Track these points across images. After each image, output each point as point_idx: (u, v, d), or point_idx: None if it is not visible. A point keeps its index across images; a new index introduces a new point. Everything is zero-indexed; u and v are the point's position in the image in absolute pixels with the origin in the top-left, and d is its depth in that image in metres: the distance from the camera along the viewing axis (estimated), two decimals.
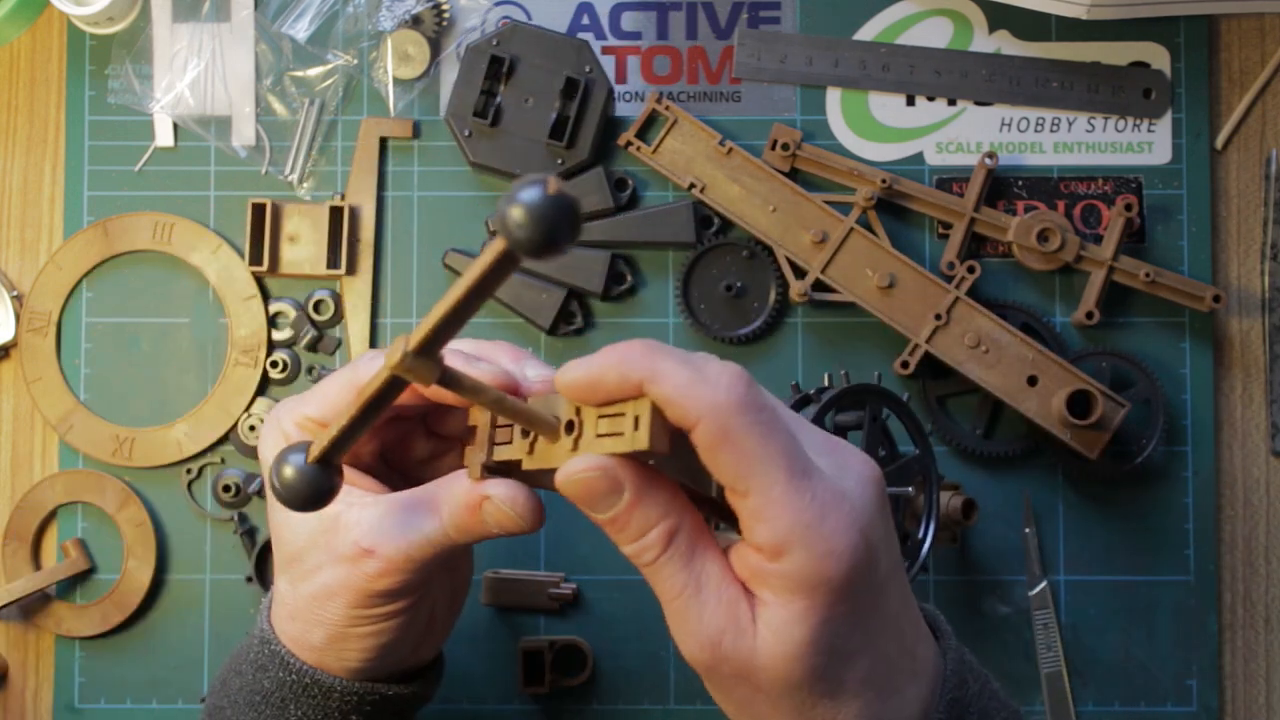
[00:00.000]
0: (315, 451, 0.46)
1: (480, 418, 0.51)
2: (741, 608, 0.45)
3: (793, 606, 0.44)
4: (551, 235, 0.36)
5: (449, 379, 0.43)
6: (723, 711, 0.49)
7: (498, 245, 0.38)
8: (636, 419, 0.44)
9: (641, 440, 0.43)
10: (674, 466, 0.47)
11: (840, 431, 0.68)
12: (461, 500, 0.50)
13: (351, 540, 0.51)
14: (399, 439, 0.57)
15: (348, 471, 0.54)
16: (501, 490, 0.49)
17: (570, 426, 0.46)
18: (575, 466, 0.45)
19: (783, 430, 0.44)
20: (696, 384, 0.43)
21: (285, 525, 0.54)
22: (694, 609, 0.45)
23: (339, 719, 0.55)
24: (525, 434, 0.48)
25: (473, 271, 0.39)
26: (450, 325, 0.41)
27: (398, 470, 0.57)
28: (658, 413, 0.43)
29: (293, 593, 0.54)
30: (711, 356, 0.45)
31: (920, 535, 0.67)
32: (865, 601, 0.45)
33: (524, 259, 0.37)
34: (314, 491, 0.46)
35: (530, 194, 0.36)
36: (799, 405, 0.68)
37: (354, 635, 0.53)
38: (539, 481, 0.50)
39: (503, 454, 0.49)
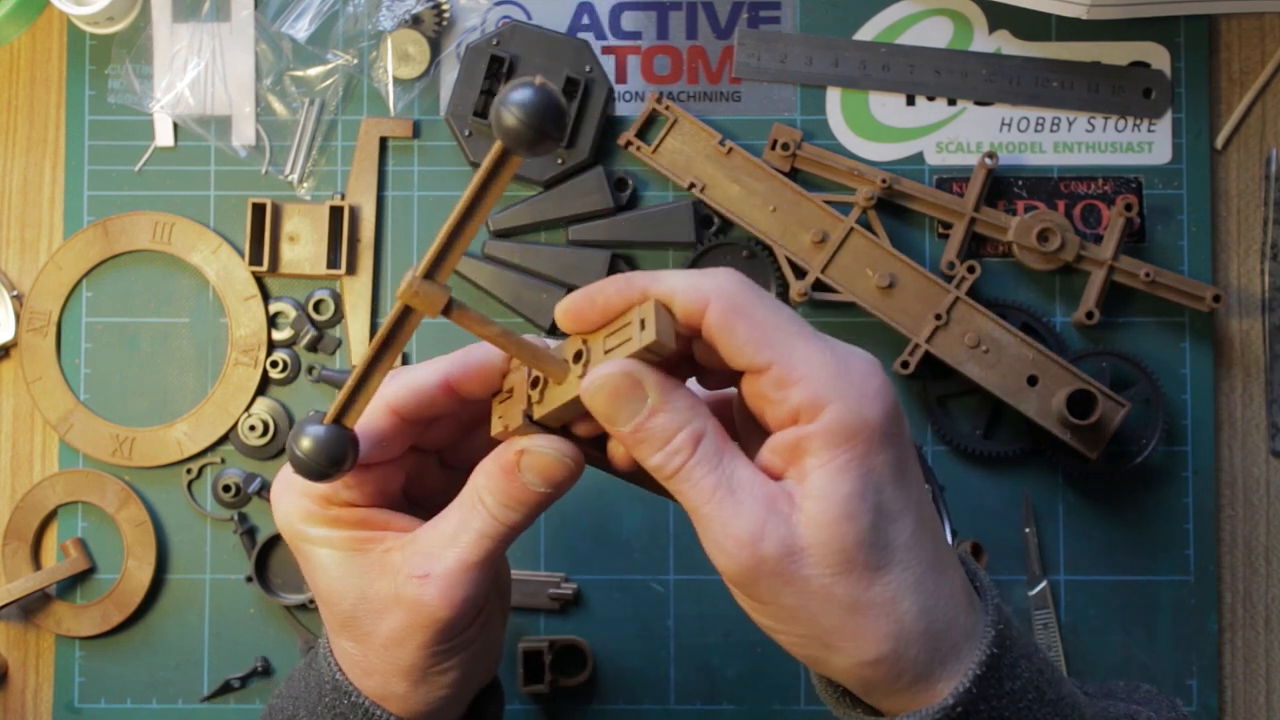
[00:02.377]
0: (331, 412, 0.46)
1: (514, 378, 0.50)
2: (779, 496, 0.45)
3: (837, 460, 0.44)
4: (542, 127, 0.39)
5: (455, 307, 0.44)
6: (772, 637, 0.47)
7: (495, 148, 0.41)
8: (642, 321, 0.44)
9: (649, 335, 0.43)
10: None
11: None
12: (498, 470, 0.49)
13: (404, 577, 0.49)
14: (419, 472, 0.55)
15: (381, 514, 0.52)
16: (533, 439, 0.48)
17: (578, 356, 0.46)
18: (598, 372, 0.45)
19: (785, 306, 0.46)
20: (699, 275, 0.45)
21: (331, 590, 0.51)
22: (729, 508, 0.44)
23: None
24: (534, 384, 0.48)
25: (473, 182, 0.42)
26: (454, 242, 0.42)
27: (421, 505, 0.55)
28: (661, 309, 0.44)
29: (361, 650, 0.51)
30: None
31: None
32: (900, 455, 0.45)
33: (521, 154, 0.40)
34: (333, 454, 0.46)
35: (520, 93, 0.39)
36: None
37: (436, 673, 0.51)
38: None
39: (517, 406, 0.48)
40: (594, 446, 0.49)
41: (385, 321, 0.45)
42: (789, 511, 0.44)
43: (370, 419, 0.50)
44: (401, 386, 0.50)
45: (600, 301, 0.46)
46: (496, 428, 0.49)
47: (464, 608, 0.49)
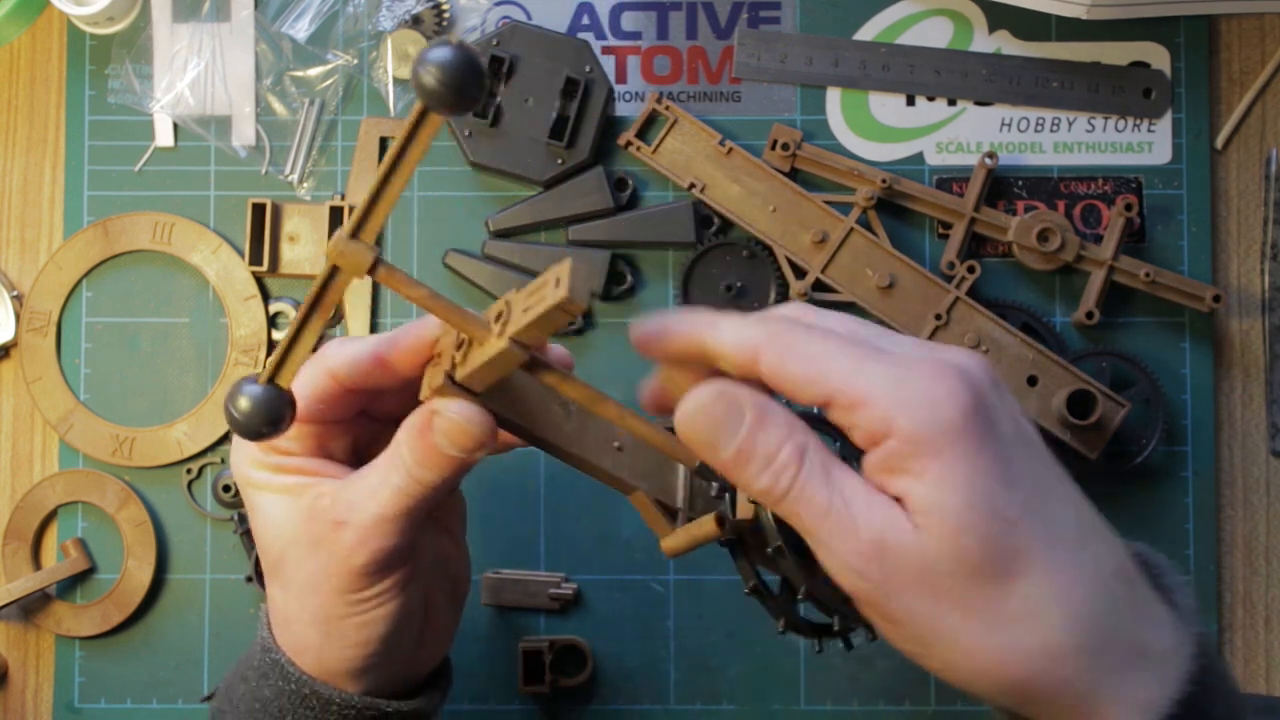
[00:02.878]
0: (265, 372, 0.46)
1: (445, 341, 0.50)
2: (894, 510, 0.43)
3: (931, 471, 0.41)
4: (460, 86, 0.40)
5: (382, 267, 0.44)
6: (920, 664, 0.45)
7: (415, 108, 0.42)
8: (557, 279, 0.43)
9: (560, 293, 0.42)
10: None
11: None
12: (414, 429, 0.50)
13: (326, 521, 0.51)
14: (370, 440, 0.56)
15: (321, 464, 0.54)
16: (443, 402, 0.48)
17: (499, 316, 0.46)
18: (693, 398, 0.45)
19: (837, 334, 0.44)
20: (749, 325, 0.45)
21: (267, 532, 0.53)
22: (847, 521, 0.42)
23: None
24: (459, 346, 0.48)
25: (395, 142, 0.43)
26: (378, 202, 0.43)
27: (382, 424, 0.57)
28: (579, 267, 0.43)
29: (284, 596, 0.54)
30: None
31: None
32: (1001, 453, 0.42)
33: (442, 114, 0.41)
34: (269, 413, 0.46)
35: (438, 53, 0.40)
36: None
37: (349, 626, 0.53)
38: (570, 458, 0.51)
39: (441, 368, 0.49)
40: (513, 418, 0.50)
41: (314, 281, 0.45)
42: (906, 525, 0.42)
43: (309, 380, 0.52)
44: (339, 352, 0.52)
45: (669, 342, 0.47)
46: (424, 391, 0.49)
47: (378, 556, 0.51)
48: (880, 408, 0.42)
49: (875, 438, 0.43)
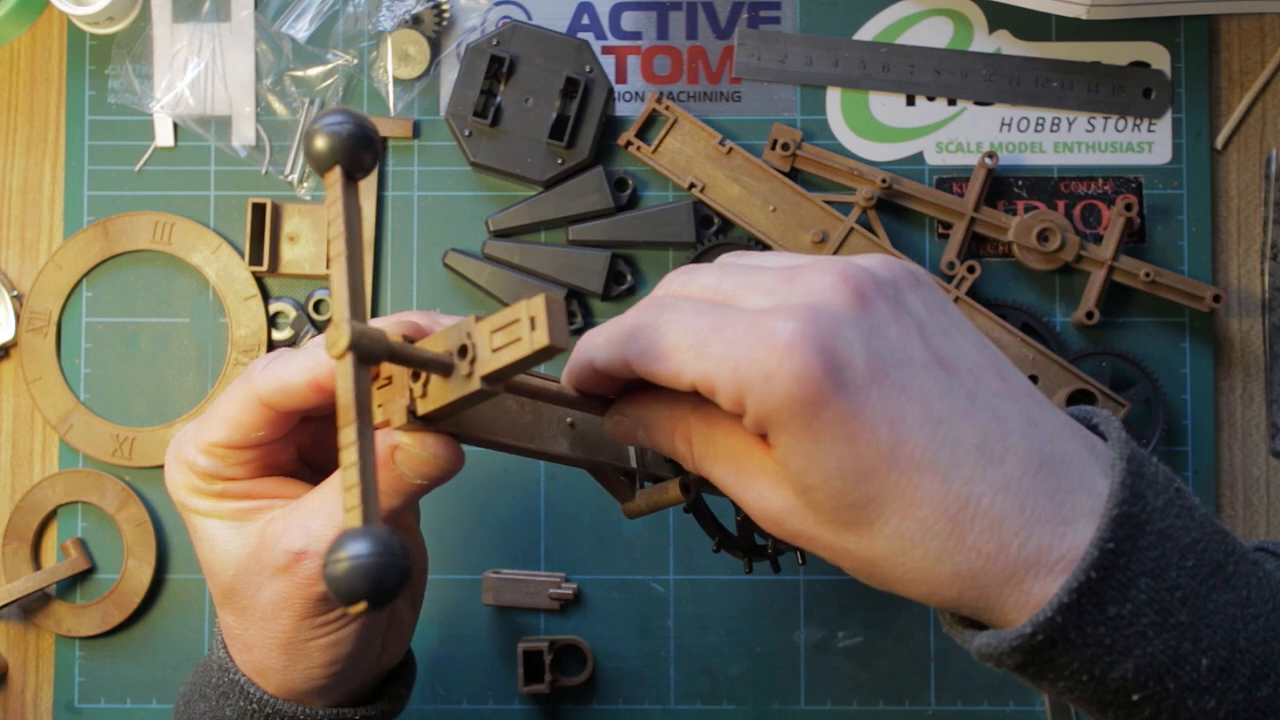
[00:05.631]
0: (351, 514, 0.39)
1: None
2: (762, 480, 0.45)
3: (780, 444, 0.42)
4: (361, 141, 0.41)
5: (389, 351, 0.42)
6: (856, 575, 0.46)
7: (331, 179, 0.41)
8: (532, 319, 0.41)
9: (541, 338, 0.41)
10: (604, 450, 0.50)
11: None
12: (379, 461, 0.48)
13: (281, 549, 0.49)
14: (314, 440, 0.55)
15: (268, 484, 0.52)
16: (408, 437, 0.47)
17: (463, 350, 0.43)
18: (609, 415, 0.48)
19: (691, 309, 0.44)
20: (608, 335, 0.46)
21: (213, 561, 0.51)
22: (739, 491, 0.46)
23: None
24: (415, 376, 0.45)
25: (332, 225, 0.41)
26: (358, 280, 0.41)
27: (321, 471, 0.55)
28: (556, 304, 0.41)
29: (241, 623, 0.52)
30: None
31: None
32: (851, 409, 0.41)
33: (355, 175, 0.41)
34: (385, 576, 0.37)
35: (329, 119, 0.40)
36: None
37: (314, 649, 0.51)
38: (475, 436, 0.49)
39: (398, 399, 0.46)
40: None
41: (342, 395, 0.40)
42: (775, 493, 0.44)
43: (240, 409, 0.50)
44: (271, 379, 0.49)
45: (586, 378, 0.48)
46: (378, 417, 0.47)
47: None
48: (725, 393, 0.42)
49: (736, 412, 0.43)
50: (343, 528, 0.38)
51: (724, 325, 0.42)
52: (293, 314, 0.78)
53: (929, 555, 0.42)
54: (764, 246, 0.76)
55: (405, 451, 0.47)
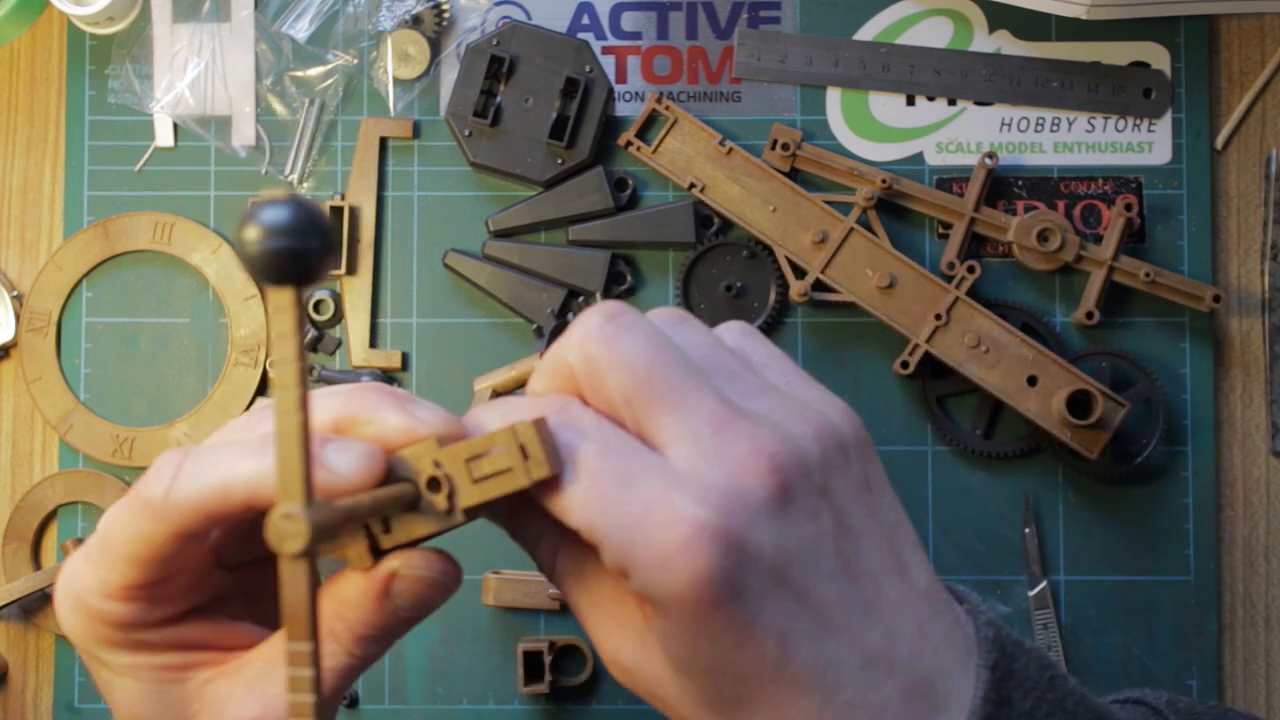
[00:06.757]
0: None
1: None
2: (628, 638, 0.40)
3: (658, 625, 0.38)
4: (315, 244, 0.31)
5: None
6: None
7: (280, 302, 0.32)
8: (523, 447, 0.37)
9: (539, 470, 0.37)
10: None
11: None
12: (361, 599, 0.40)
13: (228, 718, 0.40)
14: (225, 540, 0.44)
15: (198, 630, 0.42)
16: (405, 557, 0.39)
17: (434, 484, 0.38)
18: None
19: (594, 421, 0.38)
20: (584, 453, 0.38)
21: None
22: (598, 631, 0.41)
23: None
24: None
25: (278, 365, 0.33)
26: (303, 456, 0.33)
27: (235, 570, 0.45)
28: (544, 431, 0.37)
29: None
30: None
31: None
32: (742, 615, 0.37)
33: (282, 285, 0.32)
34: None
35: (270, 216, 0.31)
36: None
37: None
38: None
39: (352, 547, 0.40)
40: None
41: (291, 592, 0.33)
42: (639, 653, 0.40)
43: (147, 542, 0.39)
44: (191, 500, 0.38)
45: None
46: (335, 552, 0.40)
47: None
48: (611, 557, 0.37)
49: (617, 573, 0.38)
50: None
51: (633, 481, 0.37)
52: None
53: None
54: (764, 247, 0.76)
55: (407, 577, 0.40)
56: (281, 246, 0.31)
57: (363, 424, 0.39)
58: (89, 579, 0.40)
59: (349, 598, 0.40)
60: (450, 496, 0.38)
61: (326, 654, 0.40)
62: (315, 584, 0.33)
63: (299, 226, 0.31)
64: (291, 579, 0.32)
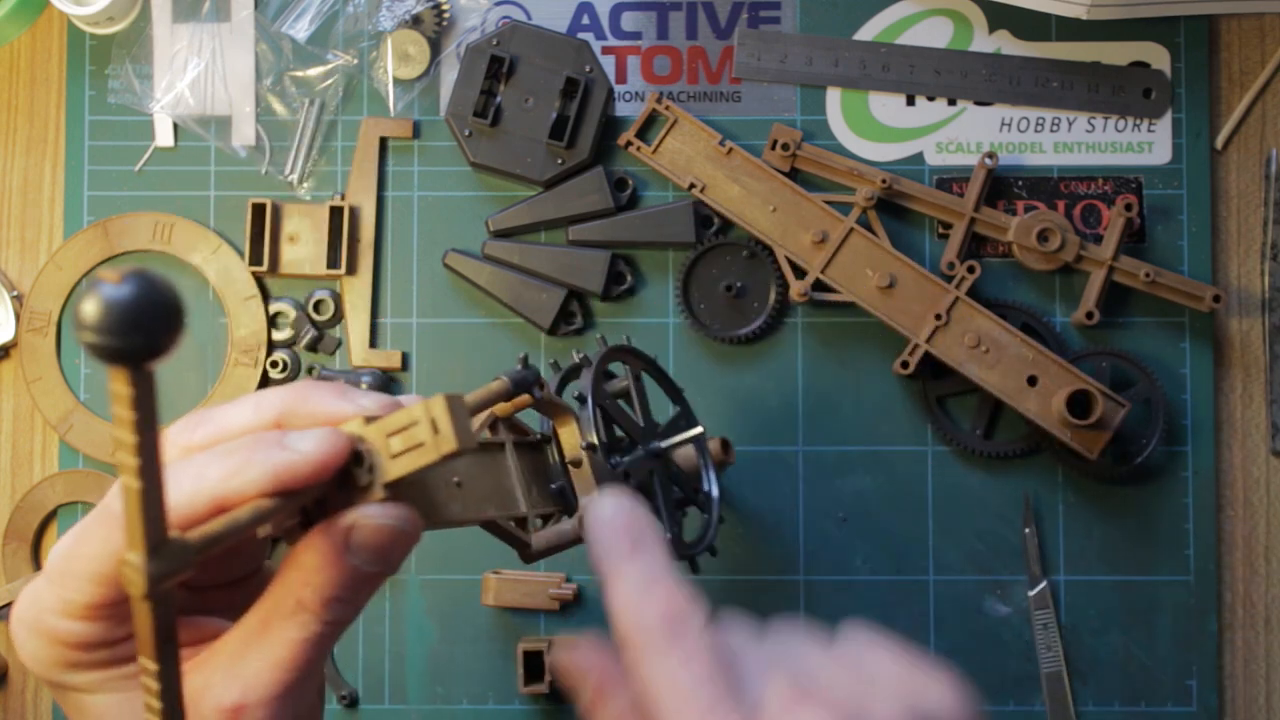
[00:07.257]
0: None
1: None
2: None
3: None
4: (159, 321, 0.32)
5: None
6: None
7: (118, 381, 0.33)
8: (433, 422, 0.38)
9: (446, 443, 0.38)
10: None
11: (613, 400, 0.59)
12: (319, 559, 0.39)
13: (211, 708, 0.39)
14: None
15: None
16: (360, 510, 0.39)
17: (359, 458, 0.39)
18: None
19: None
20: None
21: None
22: None
23: None
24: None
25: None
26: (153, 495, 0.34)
27: (198, 589, 0.44)
28: (455, 406, 0.38)
29: None
30: None
31: (706, 488, 0.63)
32: None
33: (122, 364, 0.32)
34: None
35: (109, 296, 0.31)
36: (568, 377, 0.58)
37: None
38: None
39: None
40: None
41: (143, 629, 0.34)
42: None
43: (111, 559, 0.39)
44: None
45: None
46: (261, 533, 0.41)
47: None
48: None
49: None
50: None
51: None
52: (293, 314, 0.78)
53: None
54: (764, 247, 0.76)
55: (365, 527, 0.39)
56: (101, 344, 0.31)
57: (302, 414, 0.40)
58: (50, 600, 0.40)
59: (310, 563, 0.39)
60: (371, 471, 0.39)
61: (298, 625, 0.39)
62: (167, 619, 0.33)
63: (124, 321, 0.31)
64: (140, 615, 0.33)
